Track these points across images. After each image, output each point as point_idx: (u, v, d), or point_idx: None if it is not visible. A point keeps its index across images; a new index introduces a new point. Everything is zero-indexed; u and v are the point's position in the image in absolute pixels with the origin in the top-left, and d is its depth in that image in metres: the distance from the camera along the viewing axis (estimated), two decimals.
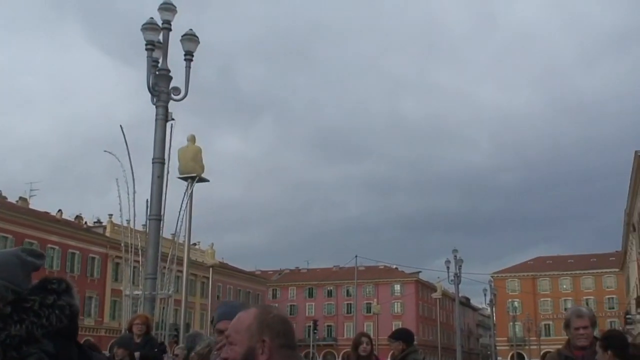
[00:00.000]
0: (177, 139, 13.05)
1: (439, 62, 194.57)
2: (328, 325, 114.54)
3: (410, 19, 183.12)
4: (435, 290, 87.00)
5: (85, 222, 74.59)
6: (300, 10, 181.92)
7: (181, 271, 17.92)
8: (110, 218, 71.52)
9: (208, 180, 16.66)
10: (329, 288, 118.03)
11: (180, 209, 13.51)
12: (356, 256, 65.20)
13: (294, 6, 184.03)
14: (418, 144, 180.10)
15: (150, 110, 12.43)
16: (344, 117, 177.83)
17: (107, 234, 71.13)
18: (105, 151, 13.94)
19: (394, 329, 9.07)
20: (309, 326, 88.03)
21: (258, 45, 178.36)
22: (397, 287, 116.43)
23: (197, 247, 79.15)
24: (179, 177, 15.80)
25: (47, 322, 2.33)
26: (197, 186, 15.89)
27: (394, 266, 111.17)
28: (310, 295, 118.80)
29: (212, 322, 4.54)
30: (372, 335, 9.42)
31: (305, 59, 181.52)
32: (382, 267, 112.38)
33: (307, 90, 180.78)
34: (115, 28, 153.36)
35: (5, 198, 67.41)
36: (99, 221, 75.01)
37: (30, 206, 68.65)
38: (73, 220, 72.56)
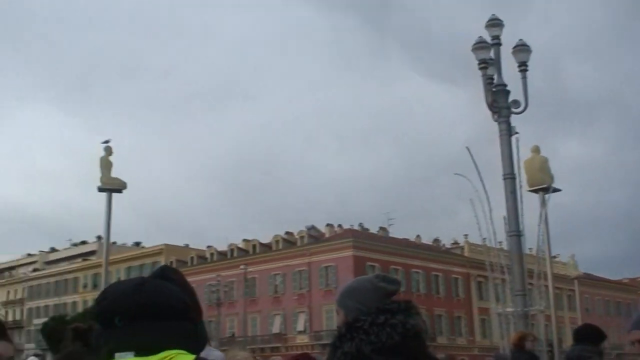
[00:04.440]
0: (517, 152, 12.85)
1: None
2: None
3: None
4: None
5: (443, 245, 76.65)
6: None
7: (545, 286, 17.56)
8: (466, 238, 72.67)
9: (560, 190, 16.20)
10: None
11: (540, 222, 13.25)
12: None
13: None
14: None
15: (487, 127, 12.48)
16: None
17: (466, 254, 72.30)
18: (455, 174, 14.29)
19: None
20: None
21: (580, 41, 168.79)
22: None
23: (556, 259, 76.78)
24: (529, 190, 15.57)
25: (376, 339, 2.48)
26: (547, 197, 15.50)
27: None
28: None
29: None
30: None
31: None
32: None
33: None
34: (434, 53, 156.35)
35: (367, 229, 72.27)
36: (455, 242, 76.61)
37: (390, 235, 72.60)
38: (431, 243, 75.03)
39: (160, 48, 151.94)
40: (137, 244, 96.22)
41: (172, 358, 1.69)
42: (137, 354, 1.71)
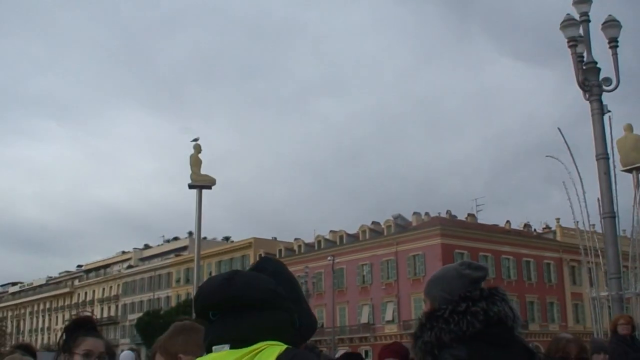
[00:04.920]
0: (610, 131, 12.41)
1: None
2: None
3: None
4: None
5: (534, 229, 75.09)
6: None
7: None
8: (558, 222, 71.01)
9: None
10: None
11: (634, 202, 12.82)
12: None
13: None
14: None
15: (576, 107, 12.16)
16: None
17: (558, 238, 70.65)
18: (547, 156, 13.97)
19: None
20: None
21: None
22: None
23: None
24: (623, 170, 15.13)
25: (456, 327, 2.48)
26: None
27: None
28: None
29: None
30: None
31: None
32: None
33: None
34: (519, 34, 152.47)
35: (455, 216, 71.44)
36: (547, 227, 74.93)
37: (478, 221, 71.57)
38: (522, 229, 73.61)
39: (246, 47, 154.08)
40: (227, 238, 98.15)
41: (262, 349, 1.70)
42: (233, 346, 1.74)
